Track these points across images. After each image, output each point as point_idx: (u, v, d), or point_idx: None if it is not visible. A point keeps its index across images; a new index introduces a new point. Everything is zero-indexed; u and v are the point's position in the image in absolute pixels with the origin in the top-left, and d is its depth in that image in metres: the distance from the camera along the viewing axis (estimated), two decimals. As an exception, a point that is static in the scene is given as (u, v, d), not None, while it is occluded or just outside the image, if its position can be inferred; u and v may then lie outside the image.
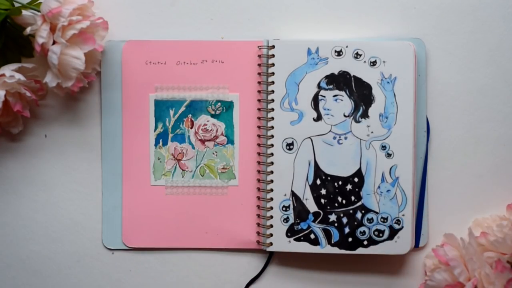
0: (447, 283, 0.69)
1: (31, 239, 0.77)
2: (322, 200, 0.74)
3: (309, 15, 0.76)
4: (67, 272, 0.77)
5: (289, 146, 0.75)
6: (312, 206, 0.74)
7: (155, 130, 0.77)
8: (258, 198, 0.76)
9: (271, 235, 0.75)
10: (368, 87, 0.74)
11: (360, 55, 0.73)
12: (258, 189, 0.76)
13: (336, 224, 0.74)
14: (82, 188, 0.77)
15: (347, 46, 0.74)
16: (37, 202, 0.77)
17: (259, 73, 0.76)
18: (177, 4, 0.77)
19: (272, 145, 0.75)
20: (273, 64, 0.75)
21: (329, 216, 0.74)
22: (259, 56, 0.75)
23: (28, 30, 0.70)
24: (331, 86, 0.74)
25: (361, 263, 0.75)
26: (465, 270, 0.69)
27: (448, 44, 0.76)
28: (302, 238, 0.74)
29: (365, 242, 0.74)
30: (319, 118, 0.74)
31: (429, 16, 0.76)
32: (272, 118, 0.75)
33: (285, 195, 0.75)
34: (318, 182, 0.74)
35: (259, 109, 0.76)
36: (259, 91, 0.76)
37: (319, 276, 0.76)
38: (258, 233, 0.76)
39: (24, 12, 0.72)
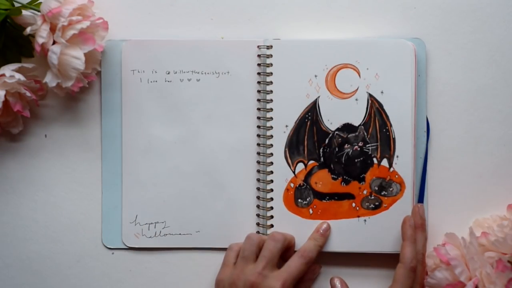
0: (448, 282, 0.69)
1: (31, 239, 0.77)
2: (321, 201, 0.75)
3: (309, 15, 0.76)
4: (67, 272, 0.77)
5: (289, 146, 0.75)
6: (311, 206, 0.75)
7: (155, 130, 0.77)
8: (258, 198, 0.76)
9: (271, 235, 0.75)
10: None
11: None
12: (258, 189, 0.76)
13: None
14: (82, 188, 0.77)
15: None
16: (37, 202, 0.77)
17: (258, 73, 0.76)
18: (177, 4, 0.77)
19: (271, 145, 0.75)
20: (271, 64, 0.75)
21: None
22: (259, 56, 0.75)
23: (28, 30, 0.70)
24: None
25: (360, 260, 0.75)
26: (466, 269, 0.68)
27: (448, 44, 0.76)
28: None
29: None
30: (318, 118, 0.75)
31: (429, 16, 0.76)
32: (272, 119, 0.75)
33: (284, 195, 0.75)
34: (318, 182, 0.75)
35: (258, 109, 0.76)
36: (258, 91, 0.76)
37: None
38: (257, 232, 0.76)
39: (24, 12, 0.72)
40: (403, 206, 0.73)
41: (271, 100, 0.75)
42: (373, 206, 0.74)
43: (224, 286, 0.71)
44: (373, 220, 0.74)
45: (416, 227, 0.71)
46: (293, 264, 0.70)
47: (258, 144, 0.76)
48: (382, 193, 0.74)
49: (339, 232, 0.74)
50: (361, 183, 0.74)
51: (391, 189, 0.73)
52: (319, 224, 0.74)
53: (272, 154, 0.75)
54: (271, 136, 0.75)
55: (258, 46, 0.76)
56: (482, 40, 0.76)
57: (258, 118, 0.76)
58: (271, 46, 0.75)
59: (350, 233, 0.74)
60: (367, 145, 0.74)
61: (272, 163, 0.75)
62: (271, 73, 0.75)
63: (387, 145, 0.74)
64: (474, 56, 0.76)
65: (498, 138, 0.76)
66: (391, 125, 0.74)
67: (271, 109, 0.75)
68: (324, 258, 0.75)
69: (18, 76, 0.71)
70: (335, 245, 0.74)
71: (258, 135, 0.76)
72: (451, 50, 0.76)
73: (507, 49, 0.76)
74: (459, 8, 0.76)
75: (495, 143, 0.76)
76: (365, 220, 0.74)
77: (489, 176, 0.76)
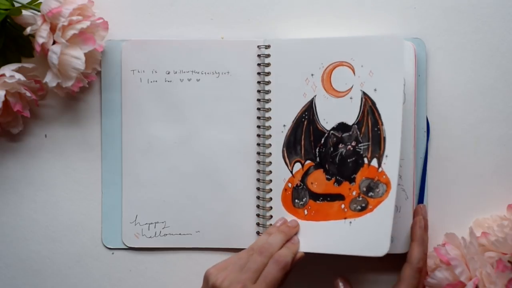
0: (448, 282, 0.69)
1: (31, 239, 0.77)
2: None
3: (308, 15, 0.76)
4: (67, 272, 0.77)
5: (289, 146, 0.75)
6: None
7: (155, 130, 0.77)
8: (258, 198, 0.76)
9: (271, 235, 0.74)
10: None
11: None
12: (258, 189, 0.76)
13: None
14: (82, 188, 0.77)
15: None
16: (37, 202, 0.77)
17: (258, 73, 0.76)
18: (177, 4, 0.77)
19: (271, 145, 0.75)
20: (269, 64, 0.75)
21: None
22: (259, 56, 0.75)
23: (28, 30, 0.70)
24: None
25: (360, 261, 0.75)
26: (466, 269, 0.68)
27: (448, 44, 0.76)
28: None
29: None
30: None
31: (429, 16, 0.76)
32: (271, 118, 0.75)
33: (284, 195, 0.75)
34: (317, 183, 0.74)
35: (258, 109, 0.76)
36: (258, 91, 0.76)
37: (317, 275, 0.76)
38: (258, 232, 0.76)
39: (24, 12, 0.72)
40: (386, 208, 0.69)
41: (270, 100, 0.75)
42: (360, 207, 0.71)
43: (208, 282, 0.66)
44: (357, 222, 0.70)
45: None
46: (270, 272, 0.67)
47: (258, 144, 0.76)
48: (369, 194, 0.70)
49: (326, 234, 0.72)
50: (352, 183, 0.72)
51: (377, 190, 0.70)
52: (293, 236, 0.72)
53: (271, 154, 0.75)
54: (271, 136, 0.75)
55: (258, 46, 0.76)
56: (482, 40, 0.76)
57: (258, 118, 0.76)
58: (269, 46, 0.75)
59: (336, 235, 0.71)
60: (359, 145, 0.72)
61: (271, 163, 0.75)
62: (269, 73, 0.75)
63: (378, 145, 0.70)
64: (474, 56, 0.76)
65: (498, 138, 0.76)
66: (382, 124, 0.70)
67: (270, 109, 0.75)
68: (324, 257, 0.75)
69: (18, 76, 0.71)
70: (323, 247, 0.71)
71: (258, 135, 0.76)
72: (451, 50, 0.76)
73: (507, 49, 0.76)
74: (459, 8, 0.76)
75: (495, 143, 0.76)
76: (350, 222, 0.71)
77: (489, 176, 0.75)
